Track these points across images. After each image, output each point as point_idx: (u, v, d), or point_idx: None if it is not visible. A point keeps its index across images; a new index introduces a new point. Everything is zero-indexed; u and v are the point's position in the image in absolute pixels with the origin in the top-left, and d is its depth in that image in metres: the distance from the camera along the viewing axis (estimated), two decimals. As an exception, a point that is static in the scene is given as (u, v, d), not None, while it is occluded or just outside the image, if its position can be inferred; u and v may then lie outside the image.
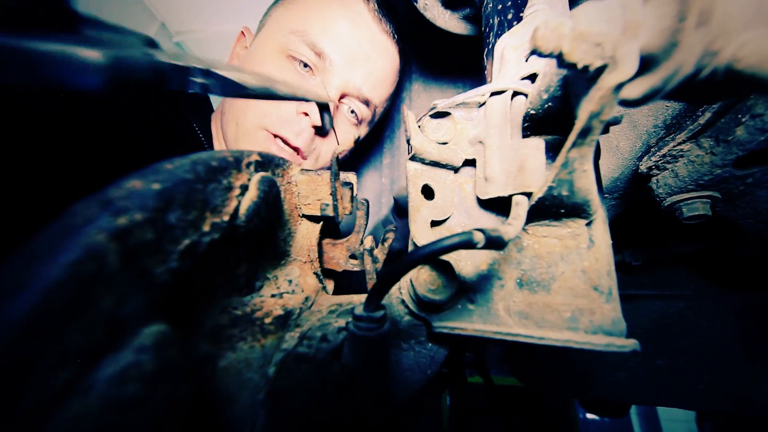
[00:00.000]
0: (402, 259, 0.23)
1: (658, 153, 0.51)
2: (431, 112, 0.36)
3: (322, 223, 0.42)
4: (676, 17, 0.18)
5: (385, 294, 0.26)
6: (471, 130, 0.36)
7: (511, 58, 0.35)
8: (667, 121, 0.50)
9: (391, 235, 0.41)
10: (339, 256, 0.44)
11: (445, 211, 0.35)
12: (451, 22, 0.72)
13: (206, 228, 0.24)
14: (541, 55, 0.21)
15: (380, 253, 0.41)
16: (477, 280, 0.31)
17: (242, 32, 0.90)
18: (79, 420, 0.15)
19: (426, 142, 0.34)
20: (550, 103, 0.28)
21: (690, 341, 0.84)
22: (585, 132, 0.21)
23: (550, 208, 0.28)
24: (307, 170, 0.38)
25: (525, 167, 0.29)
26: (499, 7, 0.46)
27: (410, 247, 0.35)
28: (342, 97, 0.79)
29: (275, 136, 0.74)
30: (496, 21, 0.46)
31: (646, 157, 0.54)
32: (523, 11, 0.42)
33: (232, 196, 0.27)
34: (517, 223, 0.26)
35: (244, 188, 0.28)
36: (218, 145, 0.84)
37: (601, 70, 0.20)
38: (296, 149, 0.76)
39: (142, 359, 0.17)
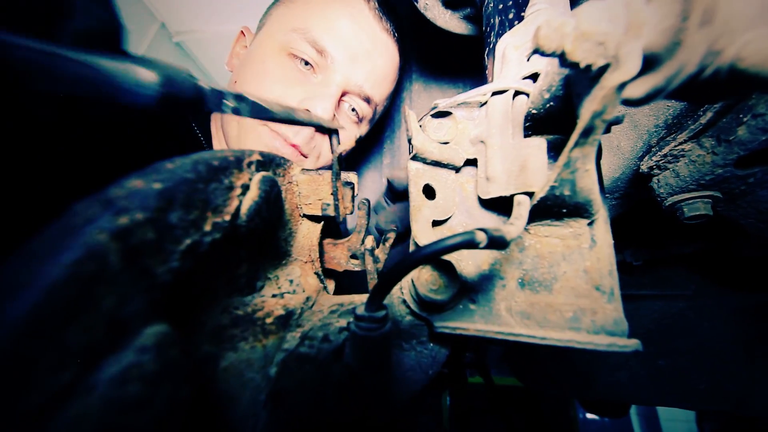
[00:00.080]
0: (404, 259, 0.23)
1: (659, 153, 0.51)
2: (432, 112, 0.36)
3: (323, 222, 0.42)
4: (680, 16, 0.18)
5: (387, 294, 0.26)
6: (472, 129, 0.36)
7: (512, 57, 0.35)
8: (668, 120, 0.50)
9: (392, 235, 0.41)
10: (340, 256, 0.44)
11: (447, 210, 0.35)
12: (451, 21, 0.72)
13: (207, 228, 0.24)
14: (543, 54, 0.21)
15: (381, 253, 0.41)
16: (478, 280, 0.31)
17: (242, 32, 0.90)
18: (81, 420, 0.15)
19: (427, 142, 0.34)
20: (551, 103, 0.28)
21: (690, 341, 0.84)
22: (587, 131, 0.21)
23: (552, 207, 0.28)
24: (308, 170, 0.38)
25: (527, 167, 0.29)
26: (500, 6, 0.46)
27: (411, 247, 0.35)
28: (343, 94, 0.79)
29: (276, 133, 0.74)
30: (497, 20, 0.46)
31: (647, 157, 0.54)
32: (524, 11, 0.42)
33: (234, 195, 0.27)
34: (519, 223, 0.26)
35: (246, 188, 0.28)
36: (218, 144, 0.84)
37: (603, 69, 0.19)
38: (295, 146, 0.76)
39: (144, 359, 0.17)
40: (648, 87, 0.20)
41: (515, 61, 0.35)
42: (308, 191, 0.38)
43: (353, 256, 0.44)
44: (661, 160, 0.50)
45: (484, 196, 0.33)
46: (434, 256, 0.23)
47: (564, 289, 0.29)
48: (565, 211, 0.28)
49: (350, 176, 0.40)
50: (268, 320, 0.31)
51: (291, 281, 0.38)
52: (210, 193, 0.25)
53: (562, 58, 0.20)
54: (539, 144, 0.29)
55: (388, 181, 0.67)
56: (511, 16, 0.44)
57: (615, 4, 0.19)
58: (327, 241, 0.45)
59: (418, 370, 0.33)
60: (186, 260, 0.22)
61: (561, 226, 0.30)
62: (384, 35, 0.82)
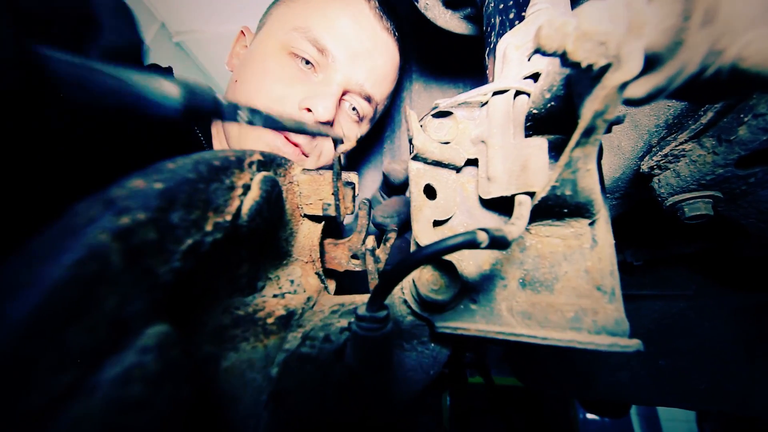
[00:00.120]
0: (405, 259, 0.23)
1: (659, 153, 0.51)
2: (433, 112, 0.36)
3: (323, 222, 0.42)
4: (681, 16, 0.18)
5: (389, 294, 0.26)
6: (473, 129, 0.36)
7: (513, 57, 0.35)
8: (668, 120, 0.50)
9: (393, 235, 0.41)
10: (341, 256, 0.44)
11: (448, 210, 0.35)
12: (452, 21, 0.72)
13: (209, 228, 0.24)
14: (544, 54, 0.21)
15: (382, 253, 0.41)
16: (479, 280, 0.31)
17: (242, 32, 0.90)
18: (83, 421, 0.15)
19: (428, 142, 0.34)
20: (552, 103, 0.28)
21: (691, 341, 0.84)
22: (589, 131, 0.21)
23: (554, 207, 0.28)
24: (308, 170, 0.38)
25: (528, 167, 0.29)
26: (501, 6, 0.46)
27: (413, 247, 0.35)
28: (344, 93, 0.79)
29: (277, 132, 0.74)
30: (497, 20, 0.46)
31: (647, 157, 0.54)
32: (524, 11, 0.41)
33: (235, 195, 0.27)
34: (520, 223, 0.26)
35: (247, 188, 0.28)
36: (218, 144, 0.84)
37: (605, 69, 0.19)
38: (296, 145, 0.76)
39: (146, 360, 0.17)
40: (650, 87, 0.20)
41: (516, 60, 0.35)
42: (309, 191, 0.38)
43: (354, 256, 0.44)
44: (662, 159, 0.50)
45: (485, 196, 0.33)
46: (436, 257, 0.23)
47: (565, 289, 0.29)
48: (566, 211, 0.28)
49: (351, 176, 0.40)
50: (270, 320, 0.31)
51: (292, 281, 0.37)
52: (211, 193, 0.25)
53: (564, 58, 0.20)
54: (540, 144, 0.29)
55: (384, 174, 0.67)
56: (511, 16, 0.44)
57: (616, 3, 0.19)
58: (328, 241, 0.45)
59: (419, 371, 0.33)
60: (187, 260, 0.22)
61: (562, 226, 0.30)
62: (384, 34, 0.82)
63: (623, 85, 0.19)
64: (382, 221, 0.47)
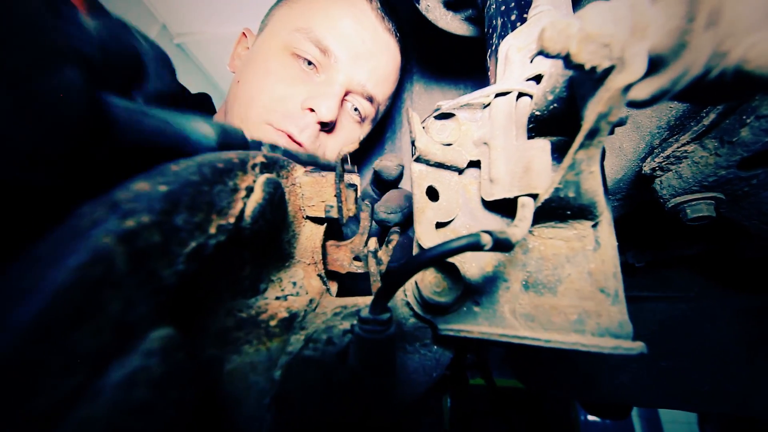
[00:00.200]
0: (408, 261, 0.23)
1: (661, 154, 0.51)
2: (436, 114, 0.36)
3: (326, 224, 0.42)
4: (685, 18, 0.18)
5: (392, 297, 0.26)
6: (475, 131, 0.36)
7: (515, 59, 0.35)
8: (670, 122, 0.50)
9: (395, 237, 0.41)
10: (343, 258, 0.44)
11: (450, 212, 0.35)
12: (453, 23, 0.72)
13: (212, 230, 0.24)
14: (547, 56, 0.21)
15: (384, 255, 0.41)
16: (482, 282, 0.31)
17: (243, 33, 0.90)
18: (89, 424, 0.15)
19: (430, 144, 0.34)
20: (555, 105, 0.28)
21: (693, 343, 0.83)
22: (592, 133, 0.21)
23: (557, 209, 0.28)
24: (311, 172, 0.38)
25: (531, 168, 0.29)
26: (503, 8, 0.46)
27: (415, 249, 0.35)
28: (346, 94, 0.80)
29: (280, 131, 0.74)
30: (499, 22, 0.46)
31: (649, 159, 0.54)
32: (526, 12, 0.42)
33: (238, 198, 0.27)
34: (523, 225, 0.26)
35: (250, 190, 0.28)
36: None
37: (608, 71, 0.19)
38: (300, 145, 0.76)
39: (150, 363, 0.17)
40: (653, 89, 0.20)
41: (518, 62, 0.35)
42: (311, 193, 0.38)
43: (356, 258, 0.44)
44: (664, 161, 0.50)
45: (488, 198, 0.33)
46: (439, 259, 0.23)
47: (568, 292, 0.29)
48: (569, 213, 0.28)
49: (353, 178, 0.40)
50: (272, 323, 0.31)
51: (294, 283, 0.37)
52: (215, 195, 0.25)
53: (567, 60, 0.20)
54: (543, 146, 0.29)
55: (375, 171, 0.68)
56: (513, 17, 0.44)
57: (620, 5, 0.19)
58: (330, 242, 0.45)
59: (422, 373, 0.32)
60: (191, 263, 0.22)
61: (565, 228, 0.30)
62: (386, 35, 0.82)
63: (627, 87, 0.19)
64: (385, 217, 0.47)
